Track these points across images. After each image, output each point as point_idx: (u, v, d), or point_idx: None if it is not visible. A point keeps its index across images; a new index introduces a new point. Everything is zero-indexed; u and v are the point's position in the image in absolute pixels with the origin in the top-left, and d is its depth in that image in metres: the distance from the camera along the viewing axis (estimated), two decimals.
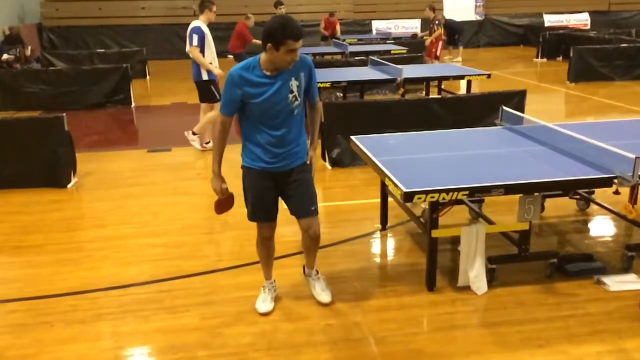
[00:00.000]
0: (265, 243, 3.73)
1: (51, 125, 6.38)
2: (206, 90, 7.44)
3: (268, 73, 3.26)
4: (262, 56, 3.25)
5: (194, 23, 7.20)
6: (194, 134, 7.73)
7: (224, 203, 3.62)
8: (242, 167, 3.53)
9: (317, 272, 3.92)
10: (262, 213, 3.58)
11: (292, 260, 4.43)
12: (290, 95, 3.31)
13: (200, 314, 3.75)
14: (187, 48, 7.26)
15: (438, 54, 13.21)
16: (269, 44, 3.13)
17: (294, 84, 3.31)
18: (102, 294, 4.06)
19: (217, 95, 7.34)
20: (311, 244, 3.72)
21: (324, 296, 3.82)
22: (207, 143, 7.77)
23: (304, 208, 3.55)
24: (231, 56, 12.85)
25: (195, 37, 7.04)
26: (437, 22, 13.21)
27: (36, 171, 6.33)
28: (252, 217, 3.60)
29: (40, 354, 3.39)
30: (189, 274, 4.30)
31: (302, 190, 3.52)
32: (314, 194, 3.58)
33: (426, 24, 17.95)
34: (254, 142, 3.41)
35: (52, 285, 4.20)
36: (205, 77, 7.32)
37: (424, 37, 13.92)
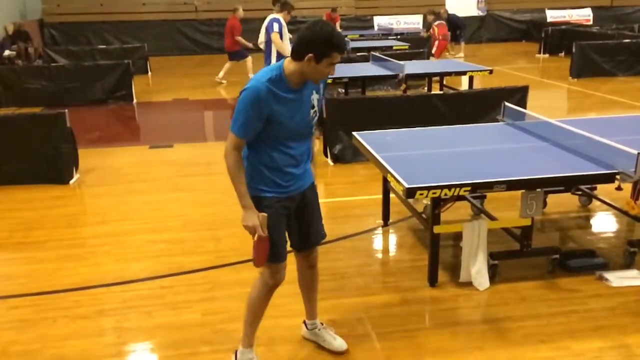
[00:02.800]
0: (273, 290, 3.10)
1: (53, 121, 6.39)
2: None
3: (294, 87, 2.80)
4: (289, 66, 2.77)
5: (273, 15, 7.66)
6: None
7: (263, 246, 2.89)
8: (254, 197, 2.89)
9: (321, 323, 3.40)
10: (283, 251, 3.01)
11: (294, 257, 4.44)
12: (312, 111, 2.90)
13: (202, 310, 3.76)
14: (261, 40, 7.73)
15: (433, 52, 13.41)
16: (311, 55, 2.68)
17: (315, 97, 2.91)
18: (104, 290, 4.07)
19: None
20: (313, 276, 3.25)
21: (339, 343, 3.31)
22: None
23: (317, 236, 3.13)
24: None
25: (276, 25, 7.46)
26: (430, 24, 14.14)
27: (38, 168, 6.33)
28: (274, 258, 2.96)
29: (43, 350, 3.40)
30: (191, 270, 4.31)
31: (314, 216, 3.09)
32: (321, 218, 3.18)
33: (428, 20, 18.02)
34: (269, 165, 2.87)
35: (55, 281, 4.22)
36: None
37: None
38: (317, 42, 2.68)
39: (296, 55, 2.74)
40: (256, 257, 2.91)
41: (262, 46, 7.79)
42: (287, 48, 7.75)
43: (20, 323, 3.68)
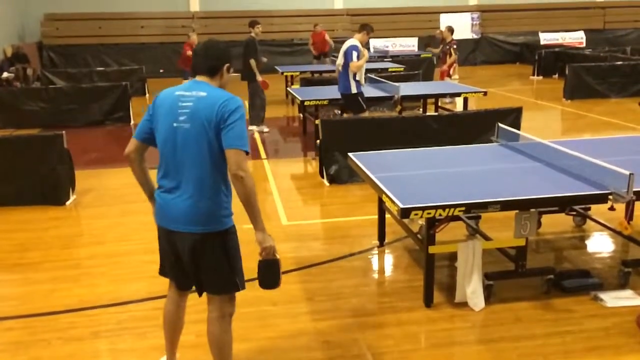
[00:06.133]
0: None
1: (50, 143, 6.41)
2: (354, 102, 7.89)
3: None
4: (217, 84, 2.89)
5: (351, 41, 7.77)
6: None
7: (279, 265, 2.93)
8: (231, 229, 2.93)
9: None
10: None
11: (290, 277, 4.44)
12: None
13: (196, 332, 3.74)
14: (339, 62, 7.92)
15: (451, 72, 13.06)
16: (228, 64, 2.90)
17: None
18: (99, 311, 4.06)
19: (363, 105, 7.87)
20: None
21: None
22: None
23: None
24: (238, 74, 13.00)
25: (354, 53, 7.64)
26: (454, 46, 12.64)
27: (35, 189, 6.33)
28: (244, 285, 3.04)
29: None
30: None
31: None
32: None
33: (423, 42, 17.94)
34: (230, 188, 2.90)
35: (50, 302, 4.20)
36: (354, 90, 7.76)
37: (434, 53, 13.39)
38: (227, 52, 2.91)
39: (216, 70, 2.87)
40: (278, 278, 2.93)
41: (340, 68, 7.94)
42: (362, 72, 7.89)
43: (14, 345, 3.66)
